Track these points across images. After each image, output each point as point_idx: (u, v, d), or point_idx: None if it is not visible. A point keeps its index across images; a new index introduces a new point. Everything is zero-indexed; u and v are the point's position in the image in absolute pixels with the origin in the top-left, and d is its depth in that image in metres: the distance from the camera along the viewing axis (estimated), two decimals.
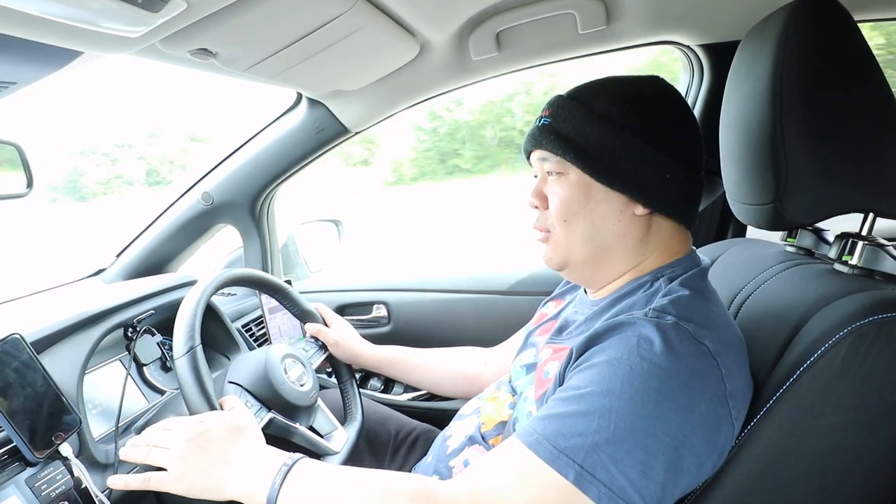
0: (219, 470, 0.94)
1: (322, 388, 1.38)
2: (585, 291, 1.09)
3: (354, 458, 1.31)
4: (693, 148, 0.96)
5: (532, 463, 0.79)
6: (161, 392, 1.44)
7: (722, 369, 0.80)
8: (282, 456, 0.95)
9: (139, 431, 1.15)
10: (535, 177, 1.04)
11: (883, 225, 0.92)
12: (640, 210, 0.94)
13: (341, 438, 1.24)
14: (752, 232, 1.71)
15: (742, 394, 0.83)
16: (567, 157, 0.95)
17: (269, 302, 1.75)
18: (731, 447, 0.83)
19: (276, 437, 1.10)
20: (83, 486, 1.06)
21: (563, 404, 0.82)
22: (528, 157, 1.05)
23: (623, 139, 0.92)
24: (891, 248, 0.90)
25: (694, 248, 1.02)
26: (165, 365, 1.50)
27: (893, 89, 0.85)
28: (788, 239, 1.15)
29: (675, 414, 0.77)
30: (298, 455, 0.96)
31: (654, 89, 0.97)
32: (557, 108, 0.98)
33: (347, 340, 1.44)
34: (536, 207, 1.03)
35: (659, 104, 0.95)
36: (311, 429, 1.20)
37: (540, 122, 1.00)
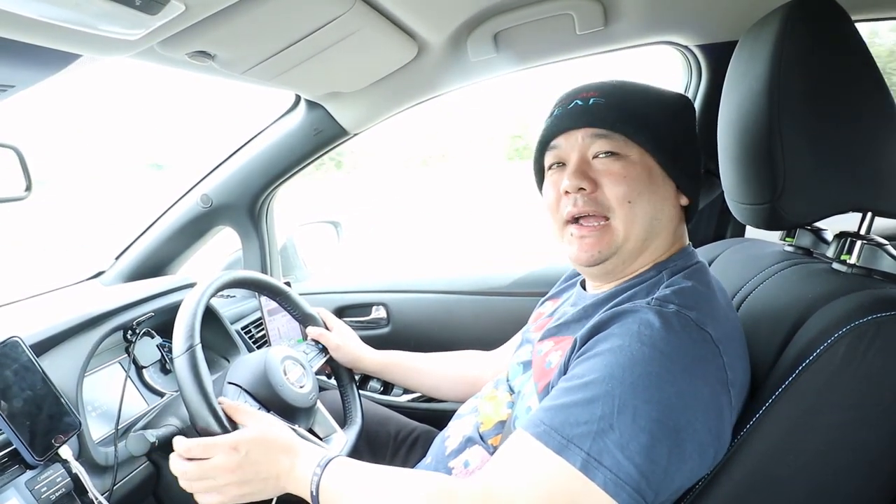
0: (269, 485, 1.00)
1: (321, 389, 1.38)
2: (584, 287, 1.09)
3: (354, 458, 1.31)
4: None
5: (541, 453, 0.79)
6: (160, 394, 1.44)
7: (724, 357, 0.81)
8: (316, 456, 0.99)
9: None
10: (555, 165, 1.02)
11: (881, 224, 0.92)
12: (684, 200, 0.99)
13: (340, 441, 1.24)
14: (750, 231, 1.71)
15: (741, 385, 0.84)
16: (637, 136, 0.94)
17: (268, 304, 1.75)
18: (731, 437, 0.84)
19: None
20: (83, 488, 1.06)
21: (568, 393, 0.82)
22: (553, 140, 1.01)
23: (680, 128, 0.97)
24: (889, 248, 0.90)
25: (689, 242, 1.04)
26: (165, 367, 1.50)
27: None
28: (787, 238, 1.15)
29: (678, 398, 0.77)
30: (331, 455, 1.00)
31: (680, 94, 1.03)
32: (611, 90, 0.99)
33: (348, 345, 1.43)
34: (581, 190, 0.96)
35: (685, 107, 1.02)
36: (311, 431, 1.20)
37: (590, 101, 0.97)
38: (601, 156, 0.96)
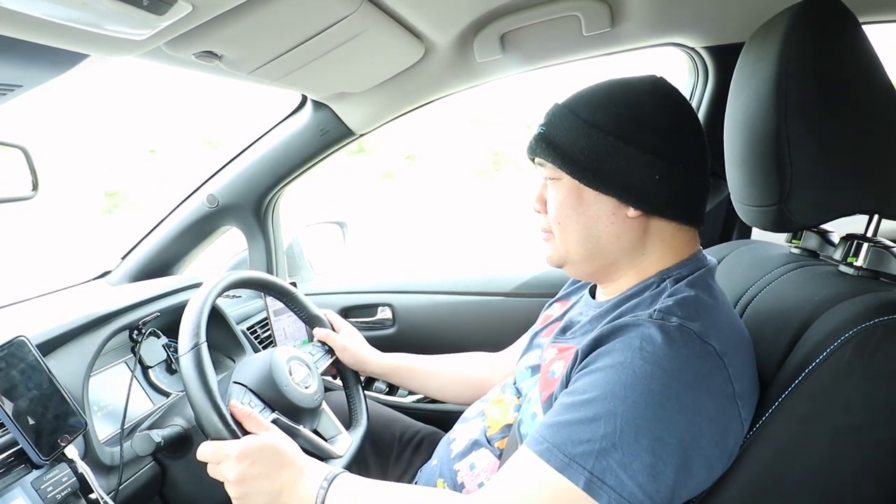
0: (272, 497, 0.98)
1: (327, 389, 1.38)
2: (592, 295, 1.09)
3: (359, 460, 1.31)
4: (689, 147, 0.94)
5: (544, 472, 0.79)
6: (166, 394, 1.44)
7: (729, 369, 0.80)
8: (322, 472, 0.99)
9: None
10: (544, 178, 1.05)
11: (888, 226, 0.92)
12: (631, 212, 0.94)
13: (345, 443, 1.24)
14: (756, 233, 1.71)
15: (750, 395, 0.83)
16: (557, 163, 0.96)
17: (273, 304, 1.75)
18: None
19: None
20: (89, 488, 1.06)
21: (570, 410, 0.82)
22: (534, 163, 1.06)
23: (608, 143, 0.92)
24: None
25: (700, 248, 1.02)
26: (171, 367, 1.50)
27: None
28: (793, 240, 1.14)
29: (681, 416, 0.77)
30: (337, 470, 0.99)
31: (644, 91, 0.95)
32: (552, 117, 1.00)
33: (355, 347, 1.43)
34: (539, 212, 1.05)
35: (647, 105, 0.94)
36: (316, 432, 1.20)
37: (538, 129, 1.01)
38: (548, 181, 1.02)
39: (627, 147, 0.91)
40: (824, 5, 0.88)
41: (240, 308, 1.95)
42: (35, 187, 1.26)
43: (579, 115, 0.95)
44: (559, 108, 1.00)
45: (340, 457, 1.19)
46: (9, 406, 1.00)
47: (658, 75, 0.98)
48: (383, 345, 1.51)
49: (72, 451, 1.07)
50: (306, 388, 1.19)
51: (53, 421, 1.06)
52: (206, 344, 1.06)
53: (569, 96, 1.00)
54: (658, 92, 0.96)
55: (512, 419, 1.09)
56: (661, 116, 0.93)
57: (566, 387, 0.88)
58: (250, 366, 1.17)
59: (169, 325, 1.49)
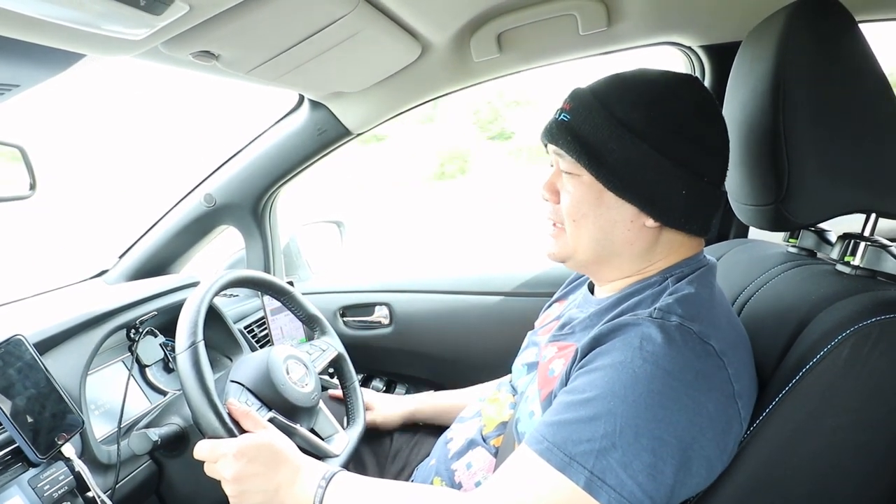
0: (269, 496, 0.98)
1: (324, 389, 1.38)
2: (591, 291, 1.09)
3: (356, 460, 1.31)
4: (717, 159, 0.91)
5: (544, 470, 0.79)
6: (163, 393, 1.44)
7: (729, 369, 0.80)
8: (320, 470, 0.98)
9: None
10: (552, 166, 1.00)
11: (885, 225, 0.92)
12: (650, 222, 0.91)
13: (342, 442, 1.24)
14: (753, 233, 1.71)
15: (749, 394, 0.83)
16: (582, 161, 0.90)
17: (271, 303, 1.75)
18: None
19: None
20: (85, 486, 1.06)
21: (570, 409, 0.81)
22: (546, 147, 1.00)
23: (641, 151, 0.87)
24: (893, 249, 0.90)
25: (703, 248, 1.00)
26: (168, 366, 1.50)
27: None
28: (790, 240, 1.14)
29: (681, 415, 0.77)
30: (335, 469, 0.99)
31: (682, 97, 0.90)
32: (578, 105, 0.93)
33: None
34: (548, 200, 1.00)
35: (686, 113, 0.89)
36: (313, 431, 1.20)
37: (559, 115, 0.95)
38: (563, 172, 0.96)
39: (661, 158, 0.87)
40: (821, 4, 0.88)
41: (237, 307, 1.94)
42: (33, 186, 1.26)
43: (613, 113, 0.89)
44: (588, 96, 0.93)
45: (337, 456, 1.19)
46: (6, 404, 1.00)
47: (694, 75, 0.95)
48: (380, 344, 1.51)
49: (69, 450, 1.07)
50: (303, 387, 1.19)
51: (50, 419, 1.06)
52: (203, 342, 1.06)
53: (598, 83, 0.94)
54: (697, 98, 0.91)
55: (507, 416, 1.09)
56: (699, 126, 0.90)
57: (566, 385, 0.87)
58: (247, 365, 1.17)
59: (166, 323, 1.49)
